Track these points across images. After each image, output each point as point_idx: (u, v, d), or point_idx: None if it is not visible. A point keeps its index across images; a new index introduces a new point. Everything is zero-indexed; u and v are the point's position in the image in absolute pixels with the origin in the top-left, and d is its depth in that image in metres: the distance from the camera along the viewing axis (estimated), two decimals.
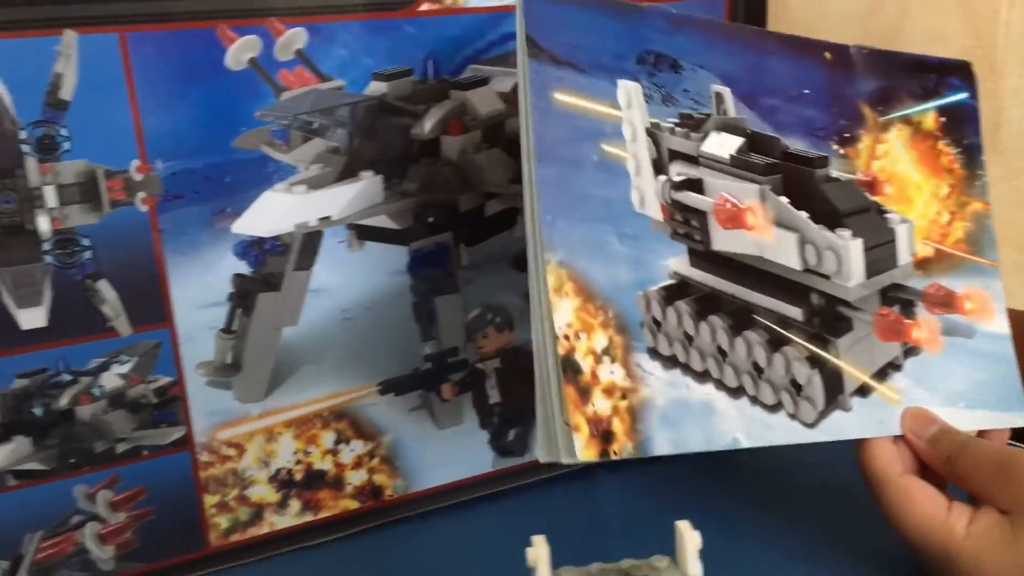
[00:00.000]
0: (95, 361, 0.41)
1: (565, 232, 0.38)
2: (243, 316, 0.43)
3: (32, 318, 0.39)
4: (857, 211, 0.43)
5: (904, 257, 0.44)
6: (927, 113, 0.49)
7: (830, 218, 0.41)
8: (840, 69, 0.47)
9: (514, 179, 0.47)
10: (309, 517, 0.47)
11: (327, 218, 0.44)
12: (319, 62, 0.42)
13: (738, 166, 0.42)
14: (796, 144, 0.44)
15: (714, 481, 0.51)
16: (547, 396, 0.38)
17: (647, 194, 0.41)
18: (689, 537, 0.33)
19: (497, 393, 0.50)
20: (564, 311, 0.38)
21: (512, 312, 0.49)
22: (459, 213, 0.46)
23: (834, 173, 0.44)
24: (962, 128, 0.49)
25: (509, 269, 0.49)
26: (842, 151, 0.46)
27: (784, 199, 0.41)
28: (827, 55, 0.47)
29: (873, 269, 0.42)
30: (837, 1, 0.72)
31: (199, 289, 0.42)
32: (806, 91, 0.46)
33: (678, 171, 0.42)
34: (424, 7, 0.43)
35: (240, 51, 0.40)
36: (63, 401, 0.41)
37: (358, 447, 0.47)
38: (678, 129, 0.42)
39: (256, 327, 0.44)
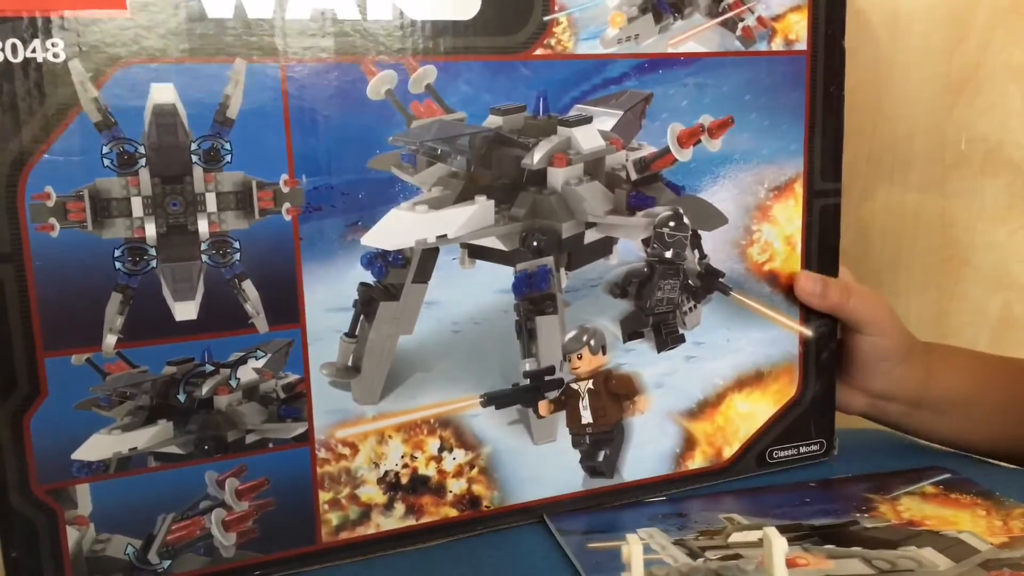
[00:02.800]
0: (235, 354, 0.46)
1: None
2: (365, 322, 0.49)
3: (185, 311, 0.45)
4: None
5: None
6: (924, 487, 0.57)
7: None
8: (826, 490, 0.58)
9: (611, 211, 0.53)
10: (412, 521, 0.51)
11: (444, 236, 0.49)
12: (446, 96, 0.48)
13: None
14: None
15: None
16: None
17: None
18: (777, 543, 0.36)
19: (589, 414, 0.54)
20: None
21: (605, 335, 0.54)
22: (561, 239, 0.52)
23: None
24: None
25: (604, 295, 0.54)
26: (867, 516, 0.53)
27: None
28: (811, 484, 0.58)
29: None
30: (918, 37, 0.78)
31: (329, 294, 0.47)
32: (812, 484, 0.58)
33: None
34: (538, 52, 0.50)
35: (379, 84, 0.47)
36: (204, 390, 0.46)
37: (460, 456, 0.52)
38: None
39: (376, 333, 0.49)
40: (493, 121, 0.50)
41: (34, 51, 0.41)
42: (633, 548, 0.36)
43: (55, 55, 0.41)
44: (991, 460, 0.63)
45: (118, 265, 0.43)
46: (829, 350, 0.60)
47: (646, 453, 0.56)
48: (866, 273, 0.85)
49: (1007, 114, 0.82)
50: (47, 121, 0.41)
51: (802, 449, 0.61)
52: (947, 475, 0.59)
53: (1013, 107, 0.82)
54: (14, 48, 0.40)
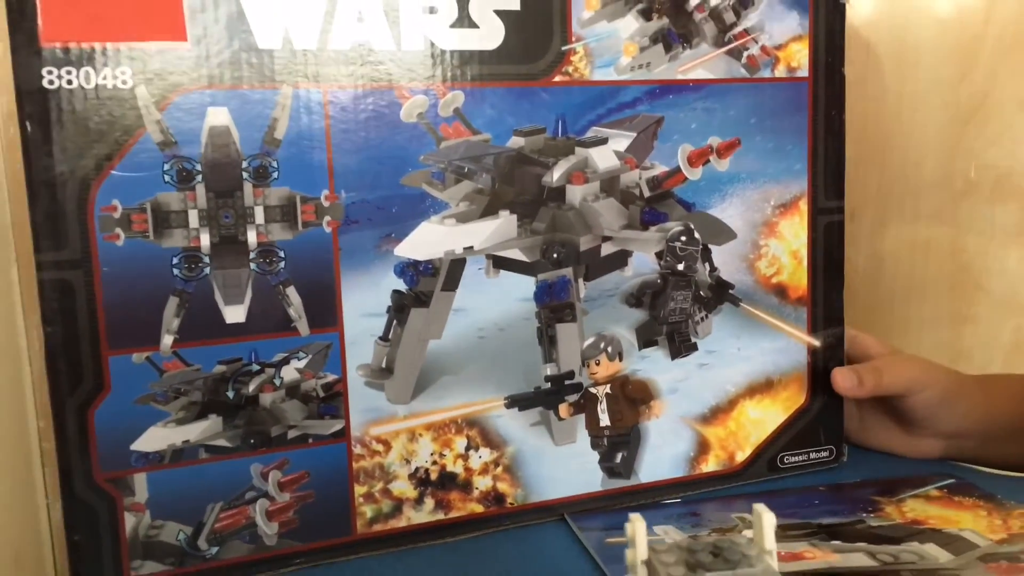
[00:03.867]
0: (278, 355, 0.51)
1: None
2: (397, 327, 0.53)
3: (235, 314, 0.49)
4: None
5: None
6: (928, 490, 0.60)
7: None
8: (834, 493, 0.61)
9: (625, 225, 0.57)
10: (440, 516, 0.55)
11: (470, 248, 0.54)
12: (472, 119, 0.53)
13: None
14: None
15: None
16: None
17: None
18: (766, 517, 0.37)
19: (607, 417, 0.58)
20: None
21: (622, 343, 0.58)
22: (579, 252, 0.56)
23: None
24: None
25: (620, 304, 0.58)
26: (873, 515, 0.56)
27: None
28: (821, 488, 0.61)
29: None
30: (927, 68, 0.82)
31: (364, 300, 0.52)
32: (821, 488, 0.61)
33: None
34: (557, 78, 0.54)
35: (412, 107, 0.52)
36: (251, 388, 0.50)
37: (485, 454, 0.55)
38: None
39: (407, 338, 0.53)
40: (516, 142, 0.54)
41: (104, 78, 0.46)
42: (637, 525, 0.38)
43: (123, 82, 0.46)
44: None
45: (175, 271, 0.48)
46: (836, 360, 0.64)
47: (662, 456, 0.60)
48: (879, 299, 0.88)
49: (1015, 143, 0.85)
50: (115, 141, 0.46)
51: (812, 455, 0.64)
52: (951, 480, 0.62)
53: (1021, 136, 0.85)
54: (87, 75, 0.46)
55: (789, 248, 0.62)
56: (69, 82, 0.45)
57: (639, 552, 0.37)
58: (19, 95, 0.45)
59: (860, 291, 0.89)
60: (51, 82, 0.45)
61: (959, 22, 0.83)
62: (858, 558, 0.51)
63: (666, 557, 0.36)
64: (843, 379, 0.63)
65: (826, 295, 0.63)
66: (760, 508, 0.38)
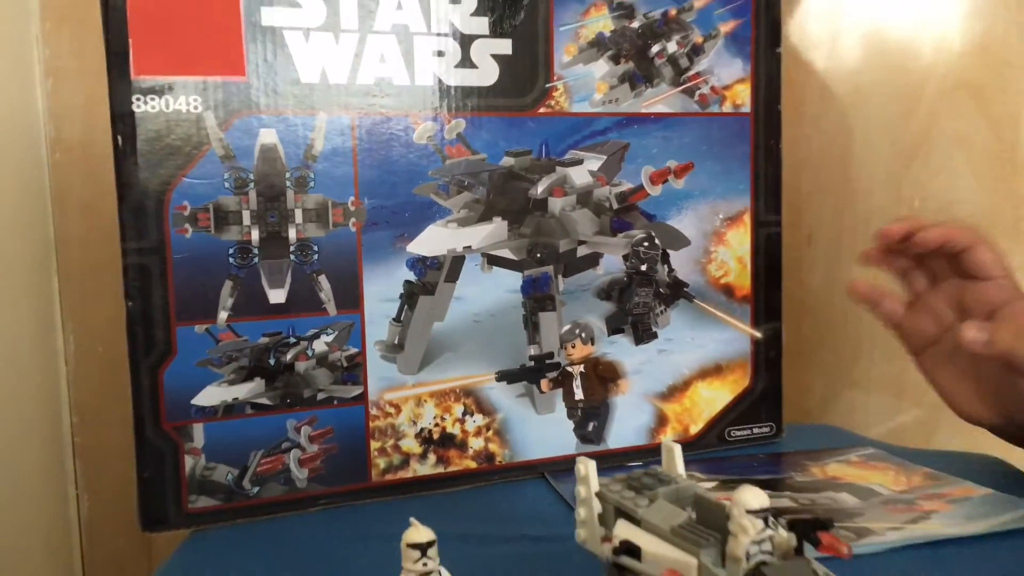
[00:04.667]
0: (311, 331, 0.62)
1: None
2: (408, 311, 0.65)
3: (277, 296, 0.61)
4: None
5: None
6: (849, 457, 0.72)
7: None
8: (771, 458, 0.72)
9: (597, 232, 0.69)
10: (441, 469, 0.66)
11: (468, 247, 0.66)
12: (472, 142, 0.65)
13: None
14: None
15: None
16: None
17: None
18: (676, 448, 0.44)
19: (581, 392, 0.70)
20: None
21: (593, 329, 0.70)
22: (559, 253, 0.68)
23: None
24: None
25: (592, 298, 0.70)
26: (800, 474, 0.68)
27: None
28: (761, 456, 0.72)
29: None
30: (876, 107, 0.94)
31: (381, 288, 0.63)
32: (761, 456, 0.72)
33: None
34: (542, 110, 0.66)
35: (423, 132, 0.64)
36: (288, 356, 0.62)
37: (479, 419, 0.67)
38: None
39: (416, 320, 0.65)
40: (507, 161, 0.66)
41: (180, 104, 0.58)
42: (588, 464, 0.42)
43: (195, 107, 0.58)
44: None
45: (231, 260, 0.60)
46: (776, 350, 0.75)
47: (627, 426, 0.71)
48: (832, 316, 0.99)
49: (954, 176, 0.97)
50: (187, 154, 0.58)
51: (755, 430, 0.76)
52: (871, 450, 0.73)
53: (959, 171, 0.97)
54: (167, 102, 0.57)
55: (735, 254, 0.74)
56: (153, 107, 0.57)
57: (592, 485, 0.43)
58: (113, 117, 0.57)
59: (815, 308, 1.00)
60: (138, 107, 0.57)
61: (904, 66, 0.96)
62: (782, 501, 0.62)
63: (614, 487, 0.42)
64: (971, 329, 0.55)
65: (766, 294, 0.75)
66: (668, 442, 0.45)
